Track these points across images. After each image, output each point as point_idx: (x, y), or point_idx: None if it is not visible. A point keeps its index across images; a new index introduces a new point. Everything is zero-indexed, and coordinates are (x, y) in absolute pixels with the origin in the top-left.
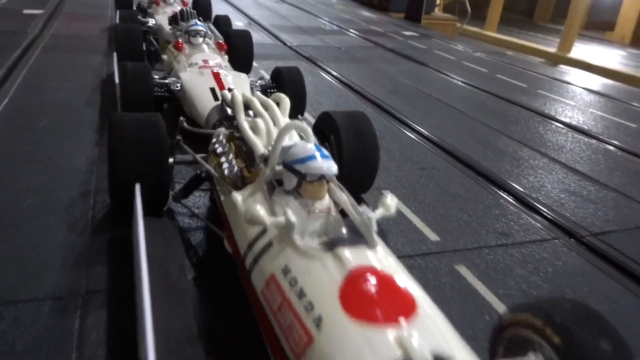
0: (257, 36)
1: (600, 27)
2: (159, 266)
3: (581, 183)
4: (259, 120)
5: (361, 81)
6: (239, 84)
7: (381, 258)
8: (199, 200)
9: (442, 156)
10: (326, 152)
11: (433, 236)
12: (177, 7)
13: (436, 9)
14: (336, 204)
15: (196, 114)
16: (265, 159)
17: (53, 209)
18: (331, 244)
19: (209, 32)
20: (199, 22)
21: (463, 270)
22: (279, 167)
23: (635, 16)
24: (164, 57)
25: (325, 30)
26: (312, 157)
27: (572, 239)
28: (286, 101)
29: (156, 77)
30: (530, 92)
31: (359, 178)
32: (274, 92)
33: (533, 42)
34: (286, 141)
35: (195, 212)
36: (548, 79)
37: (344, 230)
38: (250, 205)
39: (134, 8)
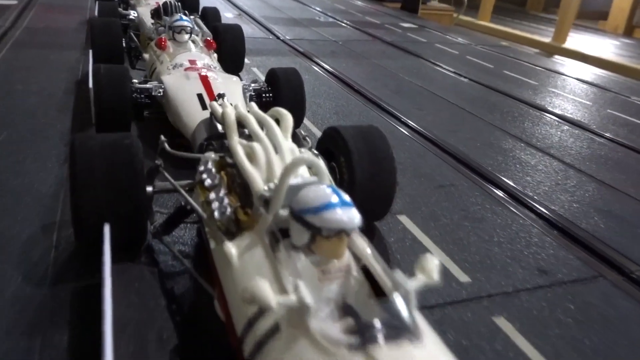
0: (248, 29)
1: (593, 16)
2: (133, 331)
3: (615, 199)
4: (257, 146)
5: (362, 79)
6: (230, 89)
7: (429, 357)
8: (184, 234)
9: (459, 169)
10: (346, 197)
11: (462, 276)
12: None
13: None
14: (356, 257)
15: (181, 124)
16: (266, 202)
17: (6, 249)
18: (360, 333)
19: (196, 28)
20: (184, 17)
21: (503, 324)
22: (283, 211)
23: (629, 6)
24: (146, 56)
25: (320, 22)
26: (329, 206)
27: (620, 276)
28: (288, 119)
29: (135, 81)
30: (542, 91)
31: (373, 205)
32: (269, 97)
33: (526, 32)
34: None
35: (179, 254)
36: (557, 74)
37: (375, 312)
38: (248, 272)
39: None
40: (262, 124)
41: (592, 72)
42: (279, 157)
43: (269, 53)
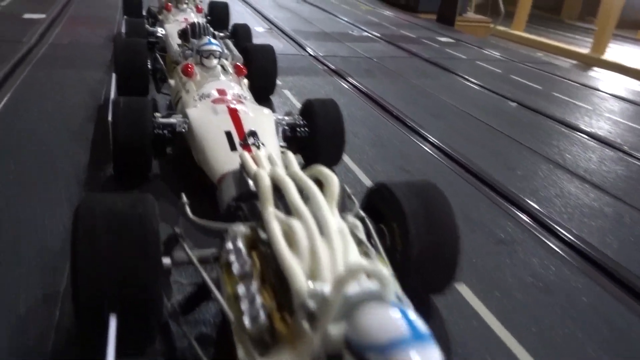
0: (279, 44)
1: (631, 25)
2: None
3: None
4: (297, 226)
5: (399, 102)
6: (262, 124)
7: None
8: (206, 307)
9: (519, 219)
10: (420, 325)
11: None
12: (191, 15)
13: (468, 10)
14: None
15: (207, 166)
16: (312, 315)
17: None
18: None
19: (225, 52)
20: (213, 40)
21: None
22: (334, 328)
23: None
24: (171, 81)
25: (353, 36)
26: (399, 344)
27: None
28: (333, 184)
29: (158, 114)
30: (598, 117)
31: (431, 279)
32: (305, 131)
33: (562, 42)
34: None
35: (199, 349)
36: (610, 96)
37: None
38: None
39: (144, 13)
40: (302, 189)
41: None
42: (325, 240)
43: (300, 72)
